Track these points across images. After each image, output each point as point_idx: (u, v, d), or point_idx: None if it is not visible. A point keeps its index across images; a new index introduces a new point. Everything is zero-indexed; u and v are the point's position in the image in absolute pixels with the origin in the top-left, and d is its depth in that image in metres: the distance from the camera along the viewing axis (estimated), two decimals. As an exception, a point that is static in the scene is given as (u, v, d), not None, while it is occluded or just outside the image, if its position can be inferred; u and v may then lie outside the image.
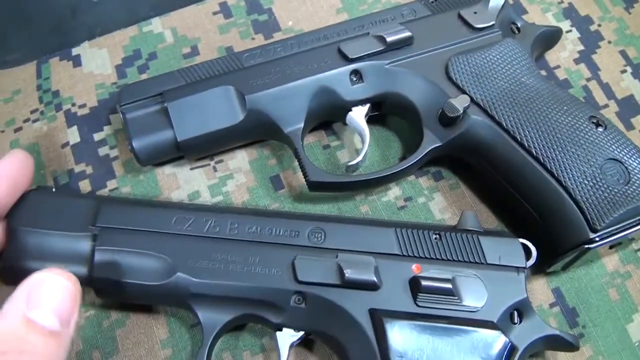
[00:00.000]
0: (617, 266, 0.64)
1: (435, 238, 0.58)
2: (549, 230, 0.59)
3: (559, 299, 0.63)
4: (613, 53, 0.74)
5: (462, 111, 0.61)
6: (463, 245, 0.57)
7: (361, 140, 0.67)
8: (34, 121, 0.71)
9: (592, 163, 0.58)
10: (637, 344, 0.60)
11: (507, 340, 0.53)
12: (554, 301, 0.62)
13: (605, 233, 0.57)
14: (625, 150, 0.59)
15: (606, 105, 0.71)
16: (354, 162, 0.64)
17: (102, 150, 0.69)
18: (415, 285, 0.55)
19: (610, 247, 0.61)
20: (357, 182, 0.63)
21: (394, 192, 0.67)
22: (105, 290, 0.57)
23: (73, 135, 0.70)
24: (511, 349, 0.53)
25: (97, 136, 0.70)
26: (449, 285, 0.55)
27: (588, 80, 0.73)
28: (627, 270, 0.63)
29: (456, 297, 0.55)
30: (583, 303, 0.62)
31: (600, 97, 0.72)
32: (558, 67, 0.73)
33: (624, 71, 0.73)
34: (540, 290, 0.63)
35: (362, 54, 0.65)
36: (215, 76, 0.65)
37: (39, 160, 0.68)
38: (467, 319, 0.54)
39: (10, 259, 0.56)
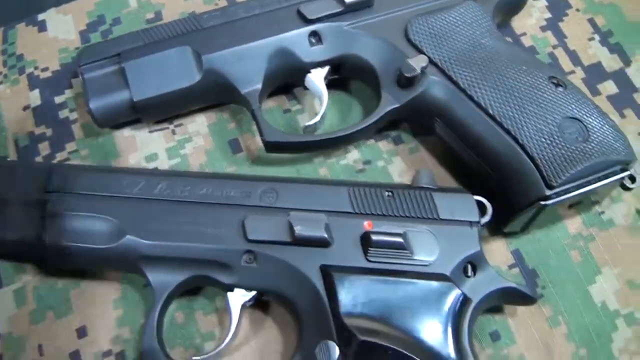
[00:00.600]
0: (579, 229, 0.63)
1: (388, 195, 0.57)
2: (506, 188, 0.58)
3: (518, 260, 0.62)
4: (581, 21, 0.73)
5: (419, 71, 0.60)
6: (416, 202, 0.57)
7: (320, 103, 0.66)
8: (-2, 84, 0.71)
9: (549, 121, 0.57)
10: (599, 305, 0.60)
11: (460, 292, 0.53)
12: (513, 262, 0.62)
13: (562, 190, 0.56)
14: (585, 109, 0.58)
15: (572, 72, 0.70)
16: (311, 123, 0.63)
17: (62, 113, 0.69)
18: (366, 241, 0.55)
19: (570, 207, 0.61)
20: (314, 141, 0.63)
21: (352, 155, 0.66)
22: (57, 257, 0.57)
23: (34, 98, 0.70)
24: (464, 301, 0.53)
25: (57, 99, 0.70)
26: (400, 239, 0.54)
27: (554, 47, 0.72)
28: (590, 232, 0.63)
29: (407, 251, 0.54)
30: (543, 264, 0.62)
31: (566, 64, 0.71)
32: (524, 34, 0.73)
33: (591, 39, 0.72)
34: (499, 252, 0.62)
35: (321, 15, 0.64)
36: (173, 37, 0.65)
37: (0, 123, 0.68)
38: (419, 273, 0.54)
39: None
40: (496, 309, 0.60)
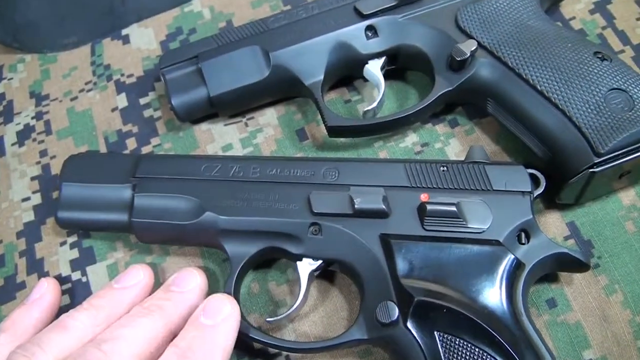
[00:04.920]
0: (634, 200, 0.64)
1: (443, 170, 0.61)
2: (557, 159, 0.61)
3: (573, 232, 0.64)
4: (628, 2, 0.75)
5: (469, 54, 0.65)
6: (469, 175, 0.60)
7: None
8: (88, 91, 0.79)
9: (595, 93, 0.60)
10: (655, 274, 0.61)
11: (513, 256, 0.56)
12: (568, 234, 0.64)
13: (610, 158, 0.58)
14: (631, 80, 0.61)
15: (622, 51, 0.72)
16: (370, 108, 0.68)
17: (147, 112, 0.77)
18: (422, 211, 0.59)
19: (620, 177, 0.62)
20: (373, 124, 0.67)
21: (411, 138, 0.71)
22: (145, 233, 0.64)
23: (122, 101, 0.78)
24: (517, 265, 0.56)
25: (142, 100, 0.78)
26: (454, 209, 0.58)
27: (603, 28, 0.74)
28: (644, 204, 0.64)
29: (461, 220, 0.58)
30: (598, 235, 0.63)
31: (615, 43, 0.73)
32: (573, 18, 0.75)
33: (639, 18, 0.74)
34: (554, 224, 0.64)
35: (376, 10, 0.69)
36: (243, 38, 0.72)
37: (91, 123, 0.77)
38: (473, 239, 0.57)
39: (64, 211, 0.65)
40: (552, 278, 0.62)
